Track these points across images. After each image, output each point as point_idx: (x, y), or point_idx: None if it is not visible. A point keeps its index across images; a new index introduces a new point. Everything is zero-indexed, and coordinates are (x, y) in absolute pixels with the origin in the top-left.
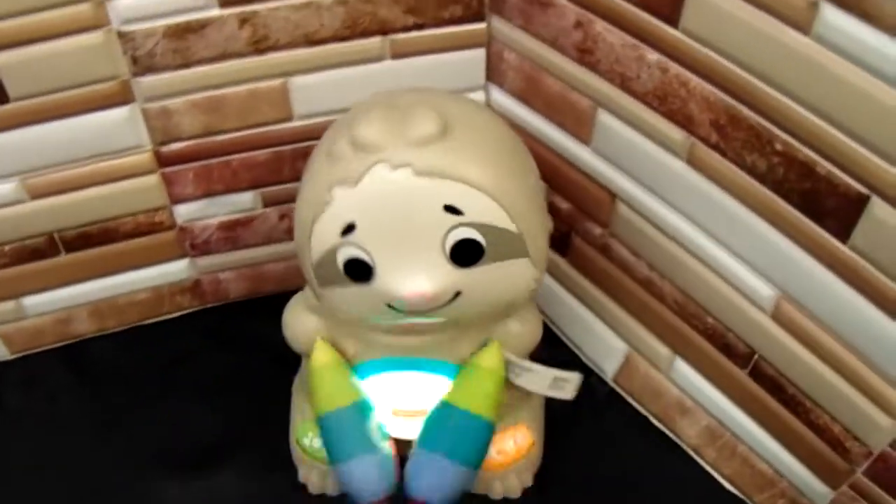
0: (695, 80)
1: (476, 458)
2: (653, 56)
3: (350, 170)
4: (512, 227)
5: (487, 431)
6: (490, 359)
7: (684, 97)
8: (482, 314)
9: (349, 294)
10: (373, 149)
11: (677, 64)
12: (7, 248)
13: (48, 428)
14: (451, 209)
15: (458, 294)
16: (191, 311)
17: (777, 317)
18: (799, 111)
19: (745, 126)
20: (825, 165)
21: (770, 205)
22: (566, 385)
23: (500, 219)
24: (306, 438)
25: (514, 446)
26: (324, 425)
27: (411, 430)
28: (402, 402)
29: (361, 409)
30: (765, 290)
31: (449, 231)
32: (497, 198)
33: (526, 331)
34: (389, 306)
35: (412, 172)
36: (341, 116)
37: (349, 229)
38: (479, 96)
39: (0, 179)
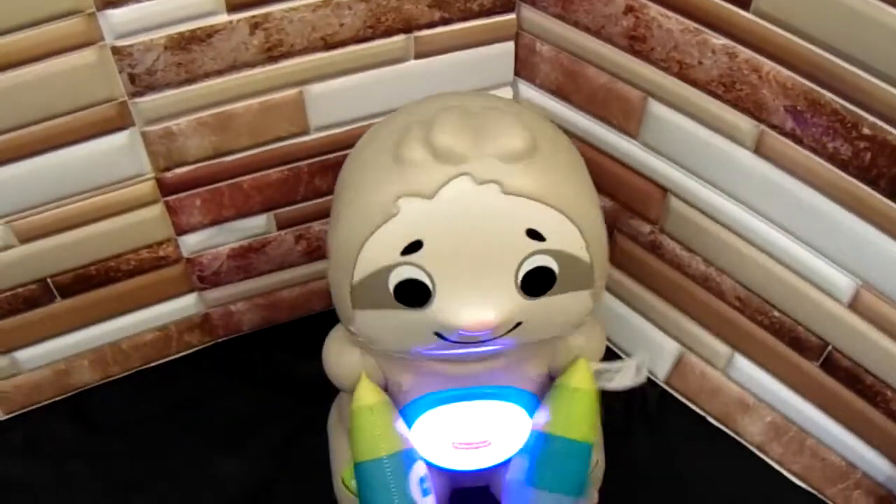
0: (769, 66)
1: (586, 484)
2: (718, 41)
3: (426, 179)
4: (586, 256)
5: (591, 454)
6: (582, 378)
7: (755, 83)
8: (539, 340)
9: (389, 319)
10: (456, 159)
11: (748, 49)
12: None
13: (60, 500)
14: (533, 234)
15: (518, 324)
16: (201, 347)
17: (855, 306)
18: (890, 91)
19: (829, 111)
20: None
21: (852, 192)
22: (642, 369)
23: (578, 247)
24: (354, 481)
25: None
26: (360, 475)
27: (475, 462)
28: (465, 434)
29: (402, 462)
30: (842, 281)
31: (526, 258)
32: (578, 224)
33: (591, 343)
34: (437, 335)
35: (500, 190)
36: (400, 113)
37: (413, 247)
38: (506, 92)
39: None
